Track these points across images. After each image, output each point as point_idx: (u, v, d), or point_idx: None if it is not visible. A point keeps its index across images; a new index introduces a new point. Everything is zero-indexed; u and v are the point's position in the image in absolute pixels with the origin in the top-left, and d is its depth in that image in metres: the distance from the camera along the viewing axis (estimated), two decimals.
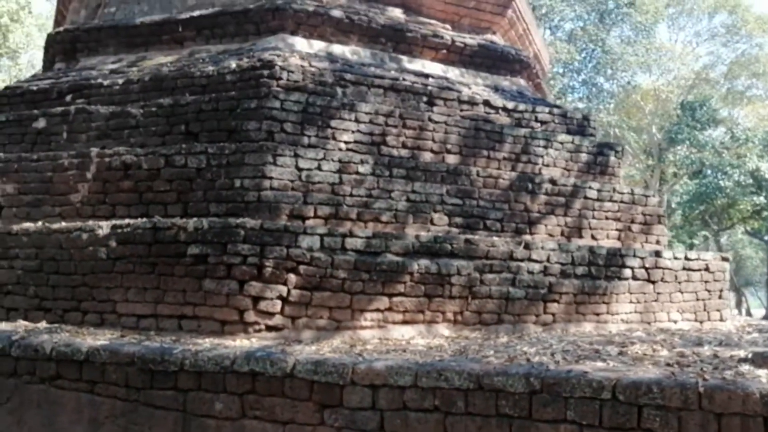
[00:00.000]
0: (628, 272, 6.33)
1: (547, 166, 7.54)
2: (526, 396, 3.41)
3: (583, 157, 7.82)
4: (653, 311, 6.45)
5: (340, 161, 6.15)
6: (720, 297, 6.97)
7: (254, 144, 6.02)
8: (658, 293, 6.50)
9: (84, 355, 4.32)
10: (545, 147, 7.58)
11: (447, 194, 6.49)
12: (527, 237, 6.62)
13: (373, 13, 8.36)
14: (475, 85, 8.49)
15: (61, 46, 8.69)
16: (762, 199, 21.81)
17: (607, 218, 7.29)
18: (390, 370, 3.68)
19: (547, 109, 8.27)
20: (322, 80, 7.17)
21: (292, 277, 5.06)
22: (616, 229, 7.35)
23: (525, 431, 3.39)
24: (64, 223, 5.83)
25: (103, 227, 5.43)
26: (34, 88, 7.92)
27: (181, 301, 5.06)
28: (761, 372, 3.40)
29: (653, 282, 6.47)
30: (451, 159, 7.08)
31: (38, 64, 11.25)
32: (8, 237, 5.74)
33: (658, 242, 7.58)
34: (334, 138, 6.63)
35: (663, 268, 6.54)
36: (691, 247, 25.57)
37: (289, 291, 5.05)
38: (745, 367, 3.59)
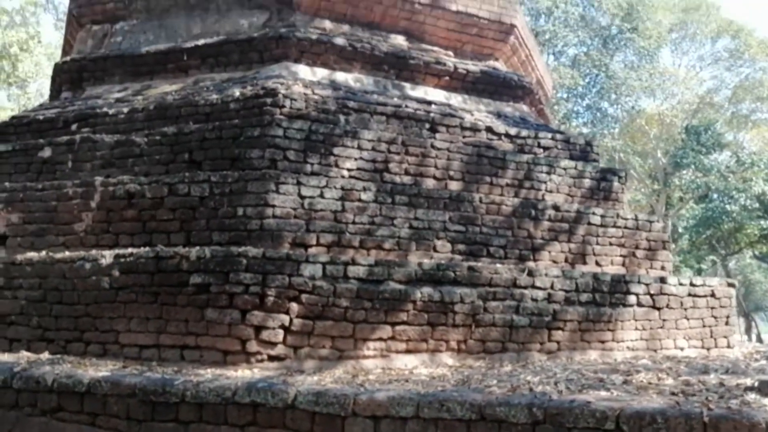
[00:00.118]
0: (633, 299, 6.29)
1: (550, 192, 7.54)
2: (529, 426, 3.37)
3: (587, 182, 7.82)
4: (659, 338, 6.39)
5: (342, 188, 6.16)
6: (727, 323, 6.91)
7: (257, 172, 6.04)
8: (664, 320, 6.45)
9: (85, 387, 4.30)
10: (548, 173, 7.58)
11: (450, 221, 6.49)
12: (531, 264, 6.60)
13: (376, 41, 8.43)
14: (477, 111, 8.53)
15: (68, 76, 8.79)
16: None
17: (611, 244, 7.26)
18: (392, 400, 3.65)
19: (549, 135, 8.29)
20: (325, 108, 7.22)
21: (294, 306, 5.05)
22: (621, 255, 7.31)
23: None
24: (67, 253, 5.84)
25: (106, 256, 5.44)
26: (41, 117, 8.00)
27: (183, 330, 5.04)
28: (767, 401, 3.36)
29: (659, 309, 6.42)
30: (454, 186, 7.09)
31: (47, 93, 11.36)
32: (12, 267, 5.75)
33: (663, 268, 7.53)
34: (336, 165, 6.65)
35: (668, 295, 6.50)
36: (699, 272, 25.45)
37: (291, 320, 5.03)
38: (751, 396, 3.54)
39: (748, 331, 26.00)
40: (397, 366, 5.16)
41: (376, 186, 6.38)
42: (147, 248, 5.57)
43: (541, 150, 8.10)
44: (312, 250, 5.76)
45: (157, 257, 5.26)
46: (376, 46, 8.26)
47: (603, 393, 3.71)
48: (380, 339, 5.24)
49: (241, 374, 4.55)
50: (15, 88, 26.40)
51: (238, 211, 5.83)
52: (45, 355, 5.19)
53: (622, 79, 26.95)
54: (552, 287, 5.94)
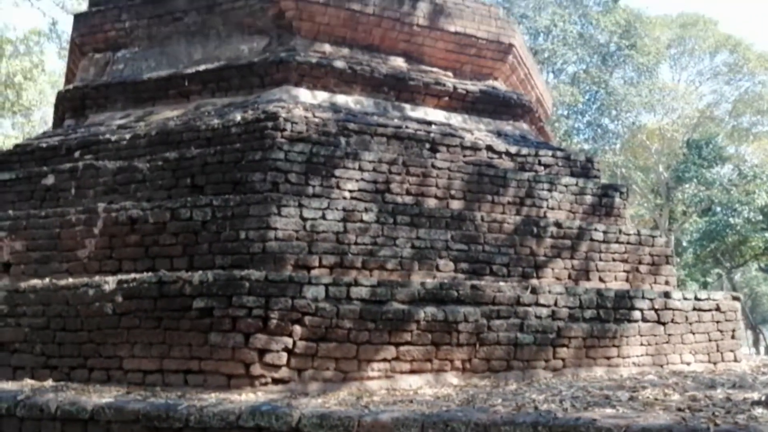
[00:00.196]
0: (637, 314, 6.27)
1: (552, 209, 7.55)
2: None
3: (588, 199, 7.83)
4: (665, 353, 6.36)
5: (344, 210, 6.18)
6: (733, 337, 6.87)
7: (259, 195, 6.06)
8: (669, 335, 6.42)
9: (89, 414, 4.29)
10: (549, 190, 7.60)
11: (452, 240, 6.49)
12: (534, 281, 6.59)
13: (376, 63, 8.50)
14: (477, 130, 8.57)
15: (71, 103, 8.86)
16: None
17: (614, 260, 7.25)
18: (396, 422, 3.64)
19: (550, 153, 8.31)
20: (326, 130, 7.26)
21: (297, 329, 5.04)
22: (624, 271, 7.29)
23: None
24: (71, 279, 5.84)
25: (110, 282, 5.45)
26: (44, 145, 8.05)
27: (186, 355, 5.04)
28: None
29: (664, 323, 6.40)
30: (456, 205, 7.10)
31: (51, 121, 11.45)
32: (16, 294, 5.77)
33: (667, 283, 7.51)
34: (338, 187, 6.68)
35: (673, 309, 6.47)
36: (704, 285, 25.35)
37: (294, 342, 5.02)
38: (758, 411, 3.52)
39: (756, 343, 25.79)
40: (402, 386, 5.15)
41: (378, 206, 6.39)
42: (150, 273, 5.58)
43: (542, 167, 8.12)
44: (314, 272, 5.76)
45: (160, 282, 5.27)
46: (375, 69, 8.32)
47: (609, 410, 3.69)
48: (384, 360, 5.23)
49: (245, 398, 4.54)
50: (19, 116, 26.61)
51: (241, 235, 5.84)
52: (49, 383, 5.19)
53: (621, 95, 27.05)
54: (556, 304, 5.93)
